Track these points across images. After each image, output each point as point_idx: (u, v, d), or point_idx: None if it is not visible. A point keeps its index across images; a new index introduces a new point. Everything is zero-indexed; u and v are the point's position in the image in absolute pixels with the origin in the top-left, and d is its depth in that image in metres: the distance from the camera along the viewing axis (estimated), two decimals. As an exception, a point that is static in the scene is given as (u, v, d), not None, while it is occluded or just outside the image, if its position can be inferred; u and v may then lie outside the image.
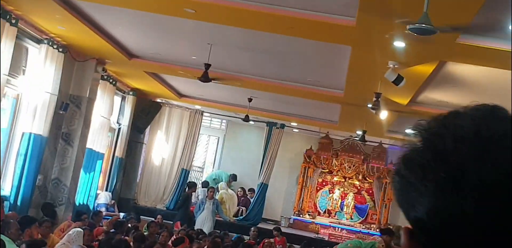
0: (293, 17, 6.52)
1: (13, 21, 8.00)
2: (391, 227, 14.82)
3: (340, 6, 6.27)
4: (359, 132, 13.91)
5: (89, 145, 11.74)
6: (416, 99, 10.29)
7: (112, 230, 10.19)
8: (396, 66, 7.77)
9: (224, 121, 18.27)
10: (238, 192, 16.58)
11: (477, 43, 6.26)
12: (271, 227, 15.48)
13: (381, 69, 7.89)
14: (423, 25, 4.83)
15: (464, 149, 0.69)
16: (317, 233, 15.57)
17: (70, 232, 8.24)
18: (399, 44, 6.53)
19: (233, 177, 16.90)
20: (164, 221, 12.95)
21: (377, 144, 16.15)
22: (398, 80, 7.90)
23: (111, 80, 12.29)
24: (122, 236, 9.59)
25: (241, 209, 16.06)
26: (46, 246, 6.71)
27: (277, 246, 12.43)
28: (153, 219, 12.83)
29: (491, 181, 0.66)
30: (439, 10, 5.01)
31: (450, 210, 0.68)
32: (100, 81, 11.57)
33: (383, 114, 10.74)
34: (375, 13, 5.77)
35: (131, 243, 8.46)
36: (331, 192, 16.91)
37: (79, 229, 8.35)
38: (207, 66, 9.61)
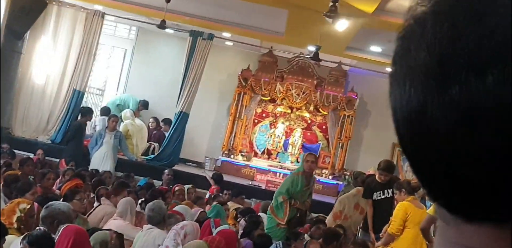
0: None
1: None
2: (347, 173, 15.26)
3: None
4: (312, 48, 13.98)
5: None
6: (385, 6, 10.60)
7: None
8: None
9: (133, 28, 17.96)
10: (150, 124, 16.58)
11: None
12: (191, 170, 15.65)
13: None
14: None
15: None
16: (252, 180, 15.63)
17: None
18: None
19: (144, 104, 16.60)
20: (47, 158, 13.05)
21: (335, 65, 16.09)
22: None
23: None
24: None
25: (152, 146, 16.03)
26: None
27: (209, 192, 12.72)
28: (32, 155, 12.77)
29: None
30: None
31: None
32: None
33: (342, 24, 11.03)
34: None
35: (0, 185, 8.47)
36: (272, 126, 16.95)
37: None
38: None
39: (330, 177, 15.95)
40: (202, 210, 10.12)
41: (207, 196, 12.60)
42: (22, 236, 5.24)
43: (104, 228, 7.83)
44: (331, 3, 9.72)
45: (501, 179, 0.59)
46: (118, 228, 7.69)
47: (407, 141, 0.67)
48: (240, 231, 9.17)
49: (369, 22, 11.18)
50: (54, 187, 10.37)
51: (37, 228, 6.11)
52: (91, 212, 8.84)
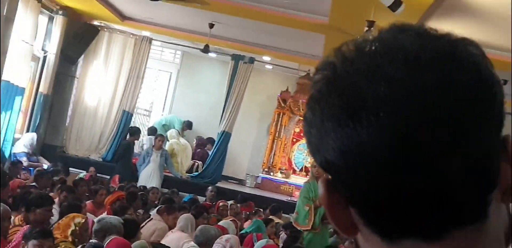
0: None
1: None
2: None
3: None
4: None
5: (5, 77, 11.99)
6: None
7: (33, 184, 10.36)
8: None
9: (178, 52, 18.24)
10: (194, 143, 16.79)
11: None
12: (234, 187, 15.84)
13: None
14: None
15: (353, 69, 0.76)
16: (291, 196, 15.60)
17: None
18: None
19: (188, 125, 16.88)
20: (98, 175, 13.15)
21: None
22: (395, 5, 8.14)
23: None
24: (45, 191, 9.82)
25: (196, 164, 16.12)
26: None
27: (243, 212, 12.57)
28: (85, 172, 13.00)
29: (389, 101, 0.72)
30: None
31: (356, 147, 0.73)
32: None
33: None
34: None
35: (56, 199, 8.46)
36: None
37: None
38: None
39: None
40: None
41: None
42: (77, 249, 5.46)
43: (164, 240, 8.11)
44: (366, 28, 9.64)
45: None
46: (179, 240, 8.04)
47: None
48: (280, 244, 9.24)
49: None
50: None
51: (90, 241, 6.36)
52: (142, 226, 8.87)
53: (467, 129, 0.73)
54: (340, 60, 0.77)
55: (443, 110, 0.73)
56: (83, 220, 6.71)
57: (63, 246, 6.44)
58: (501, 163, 0.75)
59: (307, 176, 16.31)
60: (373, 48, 0.76)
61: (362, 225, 0.77)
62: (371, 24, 9.72)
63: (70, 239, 6.50)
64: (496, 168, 0.75)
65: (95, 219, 7.47)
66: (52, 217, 7.50)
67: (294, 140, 17.12)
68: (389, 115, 0.72)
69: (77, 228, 6.53)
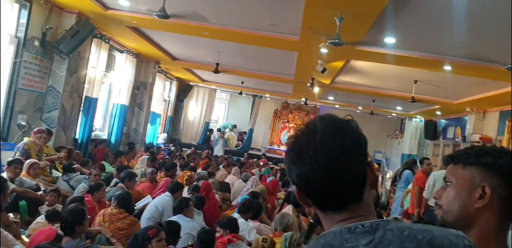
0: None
1: (106, 40, 9.62)
2: None
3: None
4: (303, 99, 16.84)
5: (152, 109, 13.52)
6: (334, 80, 11.62)
7: (166, 157, 12.02)
8: (322, 62, 8.79)
9: (228, 94, 20.29)
10: (238, 133, 19.90)
11: (366, 49, 7.42)
12: (256, 152, 18.20)
13: (314, 65, 8.96)
14: (336, 40, 5.94)
15: (300, 141, 0.95)
16: (281, 155, 18.02)
17: (140, 158, 9.63)
18: (324, 50, 7.38)
19: (234, 126, 19.98)
20: (196, 150, 15.12)
21: (313, 105, 19.12)
22: (323, 70, 8.83)
23: (163, 72, 14.20)
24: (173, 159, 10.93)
25: (238, 143, 19.49)
26: (129, 169, 7.13)
27: (261, 163, 14.41)
28: (189, 149, 15.14)
29: (316, 157, 0.92)
30: (345, 32, 6.02)
31: (300, 175, 0.94)
32: (157, 73, 13.32)
33: (316, 89, 12.25)
34: (314, 34, 6.67)
35: (177, 163, 9.48)
36: (288, 132, 19.67)
37: (145, 156, 9.64)
38: (217, 64, 11.44)
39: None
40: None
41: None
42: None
43: (226, 179, 9.74)
44: (311, 81, 10.99)
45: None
46: (233, 180, 9.65)
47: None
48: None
49: (327, 87, 12.34)
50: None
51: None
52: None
53: (353, 159, 0.95)
54: (295, 134, 0.98)
55: (341, 155, 0.93)
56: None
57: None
58: (367, 171, 0.97)
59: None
60: (306, 130, 0.97)
61: (312, 204, 0.98)
62: (313, 79, 10.87)
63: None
64: (365, 174, 0.96)
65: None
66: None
67: (281, 130, 20.27)
68: (315, 159, 0.92)
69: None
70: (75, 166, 6.92)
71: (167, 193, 5.76)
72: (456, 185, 1.21)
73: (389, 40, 6.97)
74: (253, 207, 5.56)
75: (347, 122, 0.99)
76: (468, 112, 12.31)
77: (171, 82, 16.48)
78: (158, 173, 7.62)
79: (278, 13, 6.66)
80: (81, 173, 6.84)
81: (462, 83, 9.17)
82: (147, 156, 9.27)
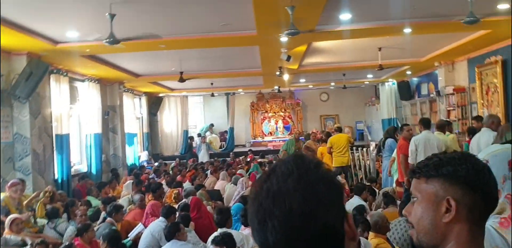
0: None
1: (64, 73, 9.68)
2: (304, 132, 17.08)
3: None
4: (276, 87, 17.58)
5: (126, 130, 13.66)
6: (302, 64, 11.91)
7: (152, 176, 11.79)
8: (285, 50, 9.05)
9: (201, 97, 20.53)
10: (219, 134, 19.95)
11: (325, 30, 7.69)
12: (242, 149, 18.39)
13: (278, 55, 9.34)
14: (292, 30, 6.11)
15: (258, 202, 0.90)
16: (266, 146, 18.83)
17: (125, 184, 9.30)
18: (284, 39, 7.71)
19: (211, 125, 19.71)
20: (180, 160, 14.84)
21: (288, 90, 19.60)
22: (288, 58, 9.15)
23: (129, 91, 14.35)
24: (158, 178, 11.02)
25: (222, 143, 19.58)
26: (116, 201, 7.26)
27: (249, 159, 14.70)
28: (174, 161, 14.80)
29: (280, 224, 0.87)
30: (300, 19, 6.19)
31: (258, 238, 0.90)
32: (124, 93, 13.56)
33: (286, 76, 13.00)
34: (270, 26, 6.84)
35: (164, 181, 9.70)
36: (269, 122, 20.48)
37: (129, 181, 9.39)
38: (181, 73, 11.57)
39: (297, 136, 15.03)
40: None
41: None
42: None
43: (215, 186, 9.86)
44: (279, 70, 11.52)
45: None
46: (222, 184, 9.76)
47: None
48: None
49: (296, 71, 12.71)
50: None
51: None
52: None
53: (324, 219, 0.89)
54: (256, 190, 0.95)
55: (306, 218, 0.87)
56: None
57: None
58: (345, 227, 0.92)
59: (271, 135, 19.94)
60: (265, 188, 0.93)
61: None
62: (280, 68, 11.22)
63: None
64: (343, 229, 0.91)
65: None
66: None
67: (262, 121, 20.69)
68: (278, 227, 0.88)
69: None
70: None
71: (161, 218, 5.70)
72: (422, 201, 1.18)
73: (345, 16, 7.13)
74: (245, 213, 5.46)
75: (315, 171, 0.91)
76: (437, 66, 12.56)
77: (140, 99, 16.56)
78: (146, 196, 7.58)
79: (228, 12, 6.73)
80: (68, 216, 6.73)
81: (425, 40, 9.41)
82: (131, 180, 9.26)
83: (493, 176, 1.17)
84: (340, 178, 9.01)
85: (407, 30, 7.85)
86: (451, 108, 11.97)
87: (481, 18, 6.37)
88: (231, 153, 16.52)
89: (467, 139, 8.66)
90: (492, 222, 1.44)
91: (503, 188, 1.46)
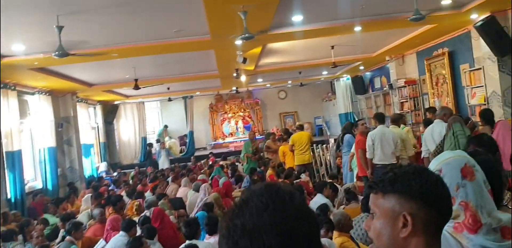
0: None
1: (12, 87, 9.48)
2: (265, 131, 18.20)
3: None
4: (234, 88, 17.47)
5: (82, 141, 13.33)
6: (258, 65, 12.15)
7: (111, 187, 11.56)
8: (241, 53, 9.10)
9: (157, 102, 20.17)
10: (179, 138, 19.54)
11: (278, 32, 7.83)
12: (203, 152, 18.32)
13: (234, 57, 9.37)
14: (246, 35, 6.20)
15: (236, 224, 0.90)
16: (228, 147, 18.64)
17: (83, 198, 9.11)
18: (238, 42, 7.72)
19: (165, 126, 19.40)
20: (140, 168, 14.87)
21: (246, 90, 19.65)
22: (244, 61, 9.20)
23: (83, 101, 14.20)
24: (118, 190, 10.76)
25: (182, 148, 19.31)
26: (76, 216, 7.14)
27: (210, 162, 14.45)
28: (133, 170, 14.99)
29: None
30: (253, 23, 6.37)
31: None
32: (77, 103, 13.31)
33: (243, 78, 12.99)
34: (224, 30, 6.91)
35: (123, 194, 8.94)
36: (229, 123, 20.39)
37: (88, 194, 9.16)
38: (136, 80, 11.39)
39: (258, 135, 17.33)
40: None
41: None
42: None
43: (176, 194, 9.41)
44: (235, 72, 11.53)
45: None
46: (184, 192, 9.44)
47: None
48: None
49: (253, 72, 12.75)
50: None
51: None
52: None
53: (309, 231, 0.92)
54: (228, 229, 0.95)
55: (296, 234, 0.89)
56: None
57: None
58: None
59: (232, 136, 19.68)
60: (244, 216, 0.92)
61: None
62: (237, 70, 11.36)
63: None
64: None
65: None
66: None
67: (222, 123, 20.67)
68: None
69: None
70: None
71: (121, 233, 5.48)
72: (380, 216, 1.20)
73: (297, 18, 7.32)
74: (208, 222, 5.30)
75: (290, 204, 0.91)
76: (388, 60, 12.95)
77: (94, 108, 16.30)
78: (106, 209, 7.29)
79: (181, 19, 6.76)
80: (24, 238, 6.39)
81: (375, 36, 9.75)
82: (90, 194, 9.02)
83: (446, 188, 1.20)
84: (304, 176, 9.19)
85: (357, 28, 8.11)
86: (404, 100, 12.35)
87: (427, 14, 6.75)
88: (192, 158, 16.28)
89: (422, 130, 8.98)
90: (447, 227, 1.46)
91: (457, 195, 1.47)
